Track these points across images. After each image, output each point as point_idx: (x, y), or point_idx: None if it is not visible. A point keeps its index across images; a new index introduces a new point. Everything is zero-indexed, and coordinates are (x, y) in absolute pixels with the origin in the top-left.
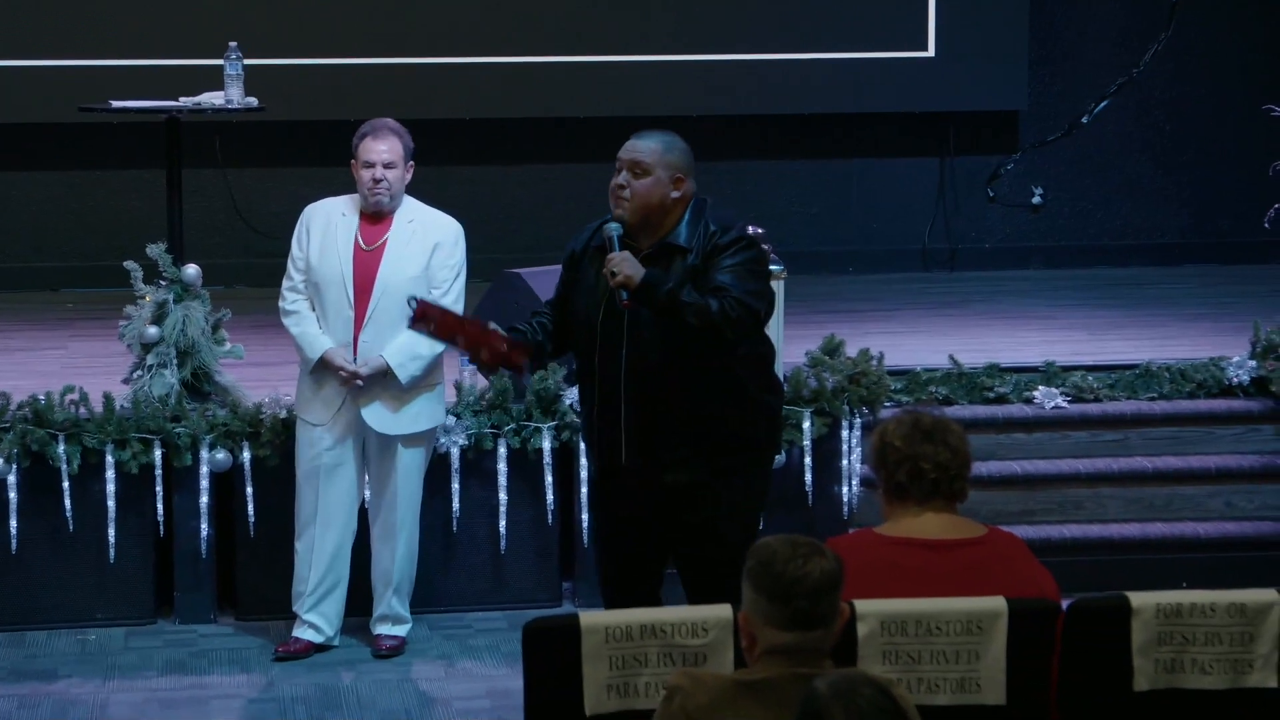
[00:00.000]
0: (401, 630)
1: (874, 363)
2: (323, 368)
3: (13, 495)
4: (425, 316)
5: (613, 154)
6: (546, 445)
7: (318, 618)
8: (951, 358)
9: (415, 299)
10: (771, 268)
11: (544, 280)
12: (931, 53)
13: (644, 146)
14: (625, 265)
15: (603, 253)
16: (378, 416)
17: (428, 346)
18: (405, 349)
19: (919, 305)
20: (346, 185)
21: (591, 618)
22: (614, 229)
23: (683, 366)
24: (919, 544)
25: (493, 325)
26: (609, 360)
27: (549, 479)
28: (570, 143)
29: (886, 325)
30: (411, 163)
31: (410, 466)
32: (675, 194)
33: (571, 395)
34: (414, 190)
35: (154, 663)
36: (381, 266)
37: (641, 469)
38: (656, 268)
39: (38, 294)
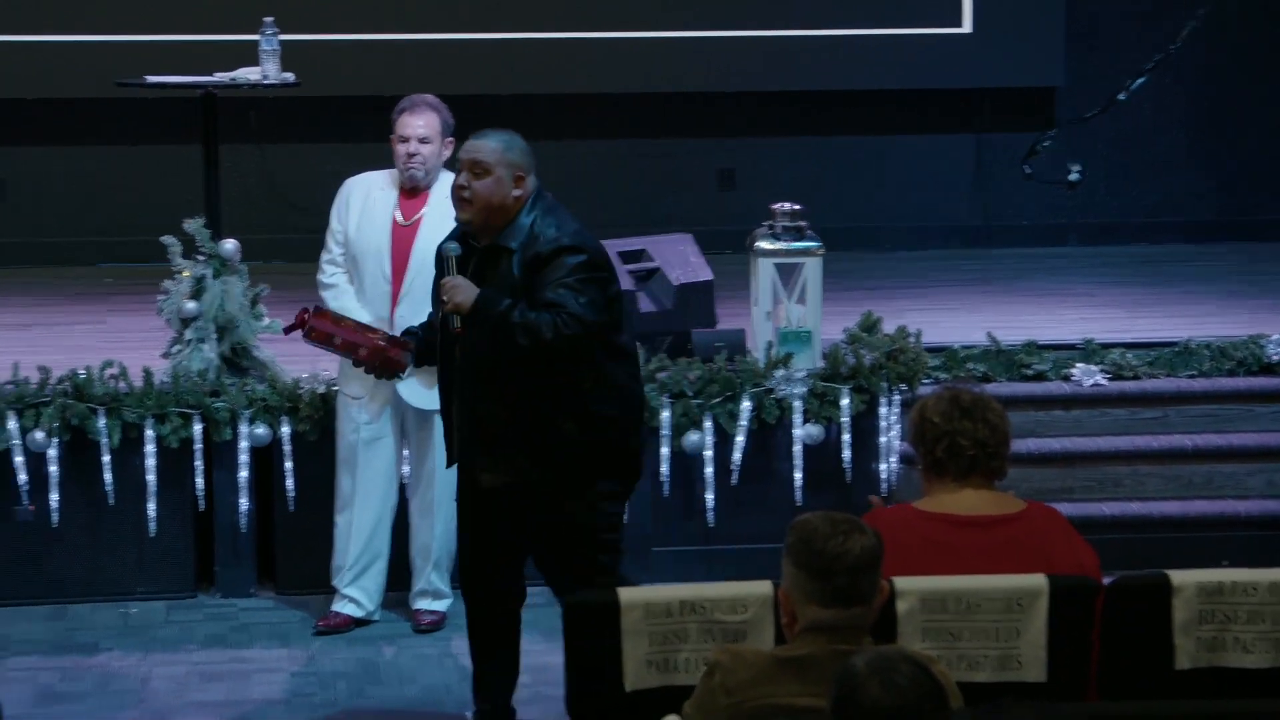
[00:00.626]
0: (441, 605)
1: (911, 339)
2: None
3: (53, 469)
4: (304, 326)
5: (646, 132)
6: None
7: (358, 592)
8: (989, 335)
9: (306, 309)
10: (808, 244)
11: None
12: (968, 29)
13: (484, 146)
14: (456, 293)
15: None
16: (414, 391)
17: None
18: None
19: (955, 282)
20: (382, 160)
21: (631, 594)
22: (451, 249)
23: (506, 375)
24: (957, 520)
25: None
26: (448, 365)
27: None
28: (603, 119)
29: (923, 302)
30: (450, 139)
31: None
32: (516, 192)
33: None
34: (453, 165)
35: (195, 636)
36: (417, 241)
37: (462, 468)
38: (490, 270)
39: (76, 269)
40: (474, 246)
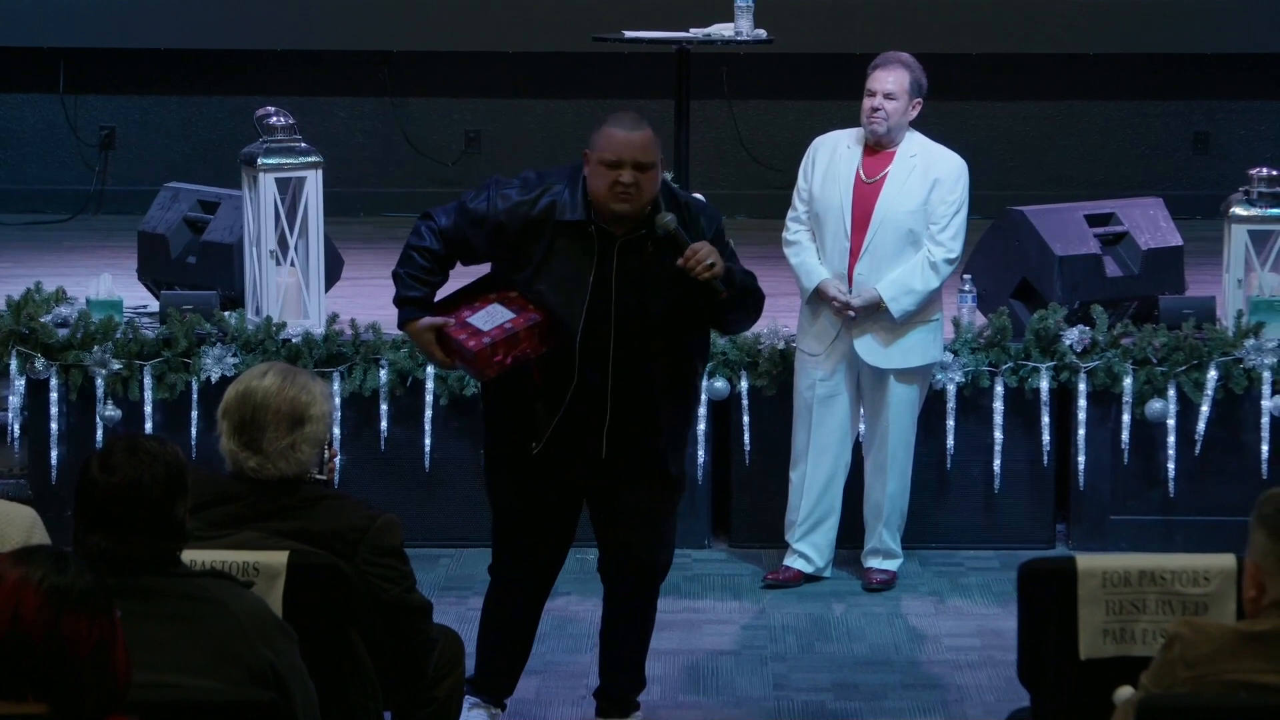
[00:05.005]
0: (892, 565)
1: None
2: (818, 298)
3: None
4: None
5: (1122, 94)
6: (1044, 385)
7: (808, 548)
8: None
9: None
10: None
11: (1048, 219)
12: None
13: (644, 142)
14: (715, 254)
15: (583, 238)
16: (870, 349)
17: (922, 282)
18: (899, 283)
19: None
20: (852, 119)
21: (1089, 561)
22: (673, 219)
23: (664, 368)
24: None
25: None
26: (593, 360)
27: (1045, 419)
28: (1078, 80)
29: None
30: (919, 99)
31: (904, 401)
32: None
33: (1071, 336)
34: (928, 126)
35: None
36: (880, 199)
37: (595, 475)
38: (634, 258)
39: None
40: (594, 237)
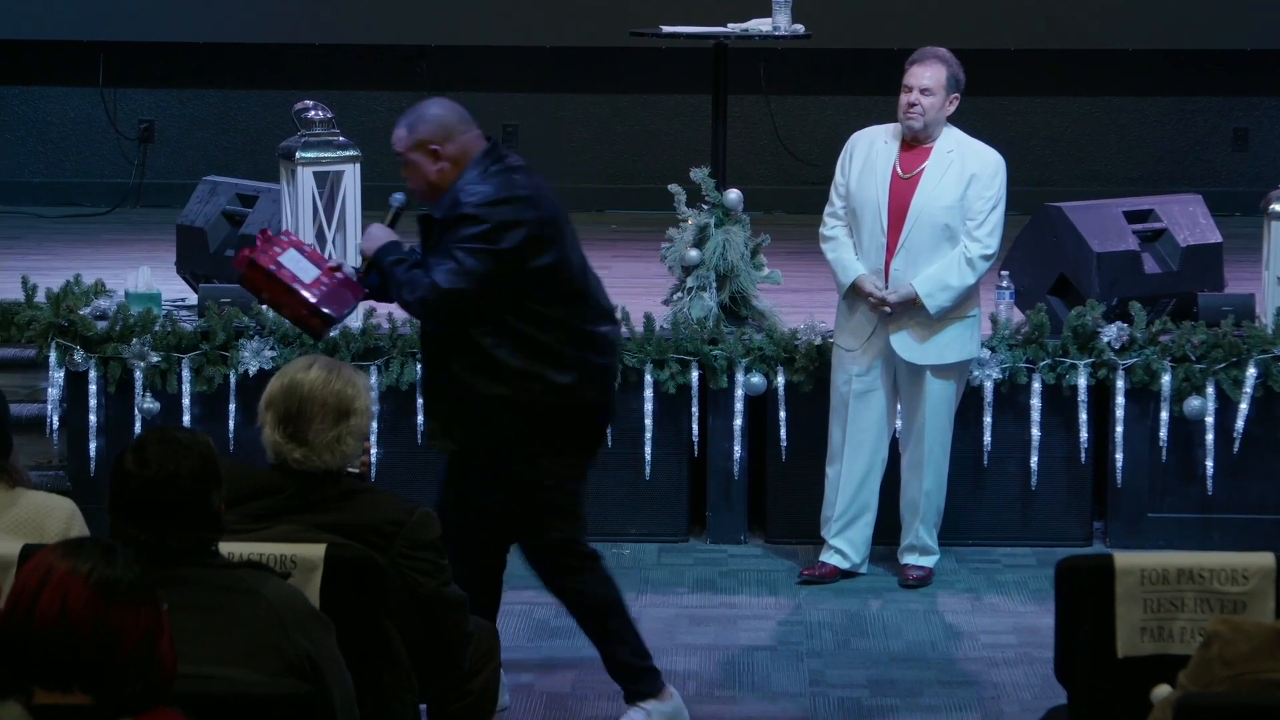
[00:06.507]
0: (929, 561)
1: None
2: (854, 294)
3: None
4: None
5: (1155, 88)
6: (1082, 382)
7: (844, 544)
8: None
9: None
10: None
11: (1086, 215)
12: None
13: (397, 137)
14: (369, 239)
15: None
16: (906, 345)
17: (958, 278)
18: (935, 279)
19: None
20: (889, 115)
21: (1127, 559)
22: (396, 199)
23: (437, 340)
24: None
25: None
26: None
27: (1083, 416)
28: (1118, 74)
29: None
30: (956, 95)
31: (940, 397)
32: (438, 166)
33: (1109, 333)
34: (966, 121)
35: (685, 580)
36: (916, 194)
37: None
38: (426, 240)
39: (582, 214)
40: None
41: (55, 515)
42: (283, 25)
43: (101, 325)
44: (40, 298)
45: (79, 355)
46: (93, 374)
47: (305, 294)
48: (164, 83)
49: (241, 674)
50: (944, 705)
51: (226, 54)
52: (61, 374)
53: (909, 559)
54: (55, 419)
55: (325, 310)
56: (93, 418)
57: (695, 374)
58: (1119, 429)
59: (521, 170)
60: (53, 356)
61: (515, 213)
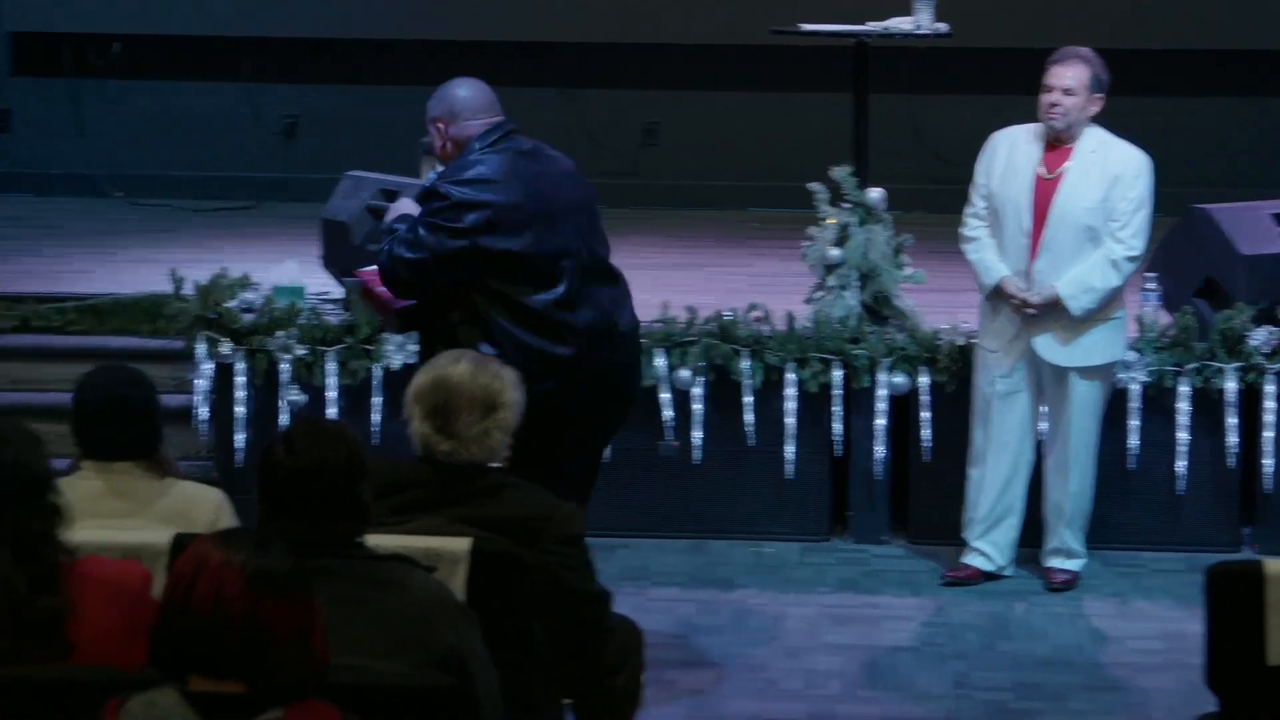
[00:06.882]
0: (1074, 565)
1: None
2: (997, 295)
3: (697, 407)
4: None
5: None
6: (1231, 386)
7: (988, 546)
8: None
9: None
10: None
11: (1234, 217)
12: None
13: (428, 118)
14: (390, 210)
15: None
16: (1049, 347)
17: (1102, 279)
18: (1078, 280)
19: None
20: (1033, 114)
21: (1277, 565)
22: (429, 177)
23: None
24: None
25: None
26: None
27: (1231, 420)
28: (1267, 73)
29: None
30: (1099, 95)
31: (1085, 400)
32: (442, 143)
33: (1258, 336)
34: (1110, 121)
35: (827, 579)
36: (1058, 195)
37: None
38: None
39: (724, 212)
40: None
41: (204, 505)
42: (427, 21)
43: (248, 318)
44: (188, 290)
45: (226, 347)
46: (239, 366)
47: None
48: (307, 78)
49: (386, 665)
50: (1090, 710)
51: (369, 49)
52: (209, 366)
53: (1054, 562)
54: (204, 410)
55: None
56: (239, 409)
57: (838, 373)
58: (1268, 434)
59: (515, 155)
60: (201, 348)
61: (477, 193)
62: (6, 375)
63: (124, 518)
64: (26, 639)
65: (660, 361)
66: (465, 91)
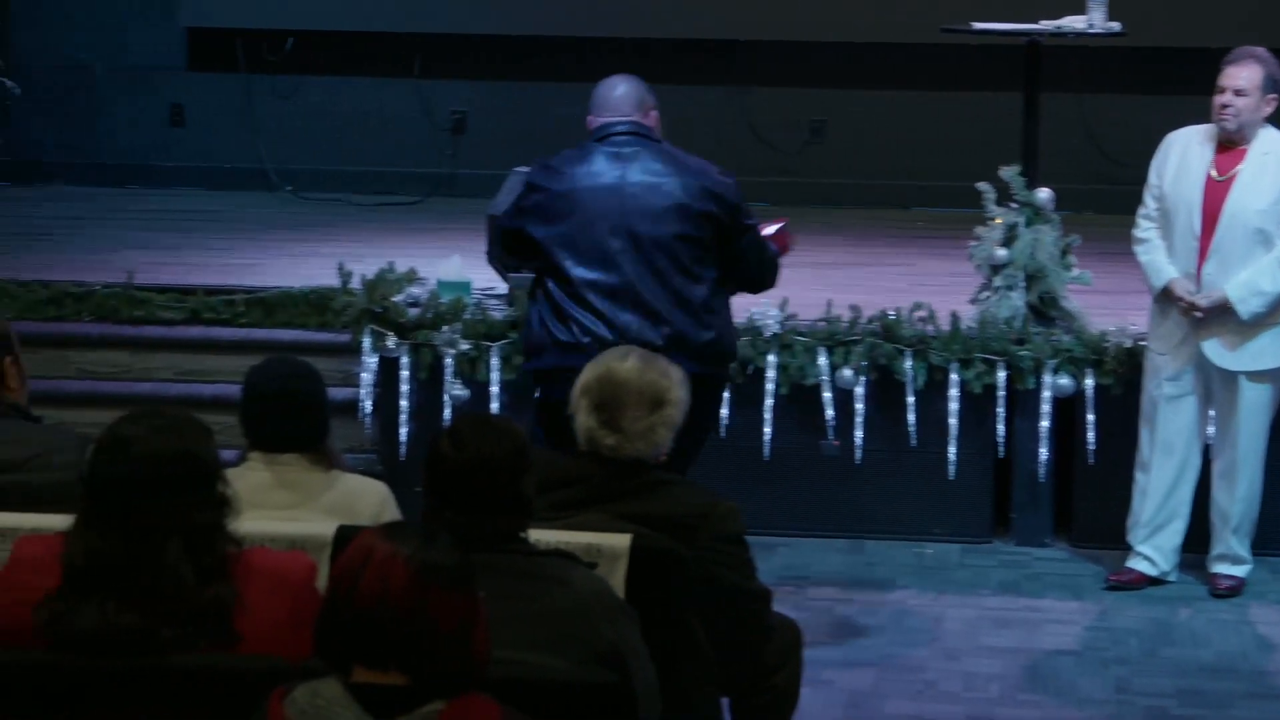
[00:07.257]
0: (1240, 571)
1: None
2: (1166, 297)
3: (859, 406)
4: None
5: None
6: None
7: (1152, 550)
8: None
9: None
10: None
11: None
12: None
13: None
14: None
15: None
16: (1218, 351)
17: (1271, 283)
18: (1248, 284)
19: None
20: (1206, 115)
21: None
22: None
23: None
24: None
25: None
26: None
27: None
28: None
29: None
30: (1273, 96)
31: (1255, 404)
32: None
33: None
34: None
35: (988, 581)
36: (1230, 197)
37: None
38: None
39: (889, 211)
40: None
41: (368, 498)
42: (594, 18)
43: (414, 312)
44: (355, 284)
45: (392, 341)
46: (404, 360)
47: None
48: (476, 74)
49: (546, 660)
50: (1254, 718)
51: (538, 46)
52: (375, 359)
53: (1220, 568)
54: (368, 403)
55: None
56: (404, 403)
57: (1002, 374)
58: None
59: (592, 152)
60: (366, 342)
61: (536, 178)
62: (175, 367)
63: (290, 509)
64: (195, 628)
65: (823, 361)
66: (601, 90)
